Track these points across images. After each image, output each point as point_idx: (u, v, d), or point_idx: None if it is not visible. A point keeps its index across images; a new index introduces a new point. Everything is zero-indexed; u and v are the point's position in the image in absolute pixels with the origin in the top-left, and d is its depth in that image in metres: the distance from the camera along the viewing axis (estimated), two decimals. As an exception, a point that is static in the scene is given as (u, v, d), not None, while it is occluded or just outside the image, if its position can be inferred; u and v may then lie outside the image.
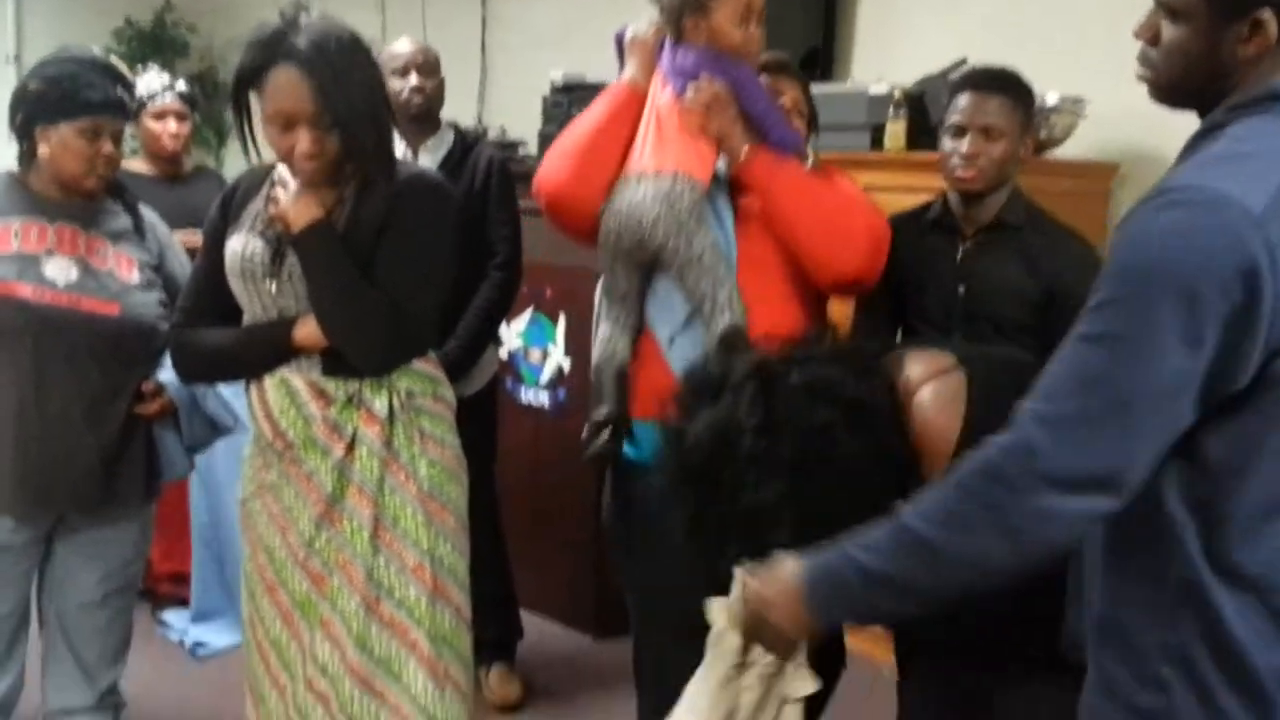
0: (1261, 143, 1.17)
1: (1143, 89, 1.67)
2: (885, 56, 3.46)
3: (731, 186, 2.00)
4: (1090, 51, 3.02)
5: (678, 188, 1.92)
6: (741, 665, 1.77)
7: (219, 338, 2.00)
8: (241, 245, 1.95)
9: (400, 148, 2.96)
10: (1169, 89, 1.30)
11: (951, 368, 1.57)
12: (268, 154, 1.94)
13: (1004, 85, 2.18)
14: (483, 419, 3.07)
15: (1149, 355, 1.12)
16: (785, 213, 1.94)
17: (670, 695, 2.04)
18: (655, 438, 1.77)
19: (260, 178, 2.01)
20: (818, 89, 3.24)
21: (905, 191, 2.99)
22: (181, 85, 3.40)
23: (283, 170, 1.95)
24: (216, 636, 3.38)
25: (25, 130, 2.33)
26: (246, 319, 2.00)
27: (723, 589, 1.56)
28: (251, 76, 1.85)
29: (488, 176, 2.96)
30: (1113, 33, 3.04)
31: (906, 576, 1.27)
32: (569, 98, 3.91)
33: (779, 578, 1.38)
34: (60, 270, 2.32)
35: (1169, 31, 1.26)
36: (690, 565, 1.86)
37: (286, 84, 1.81)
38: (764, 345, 1.63)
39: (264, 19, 1.87)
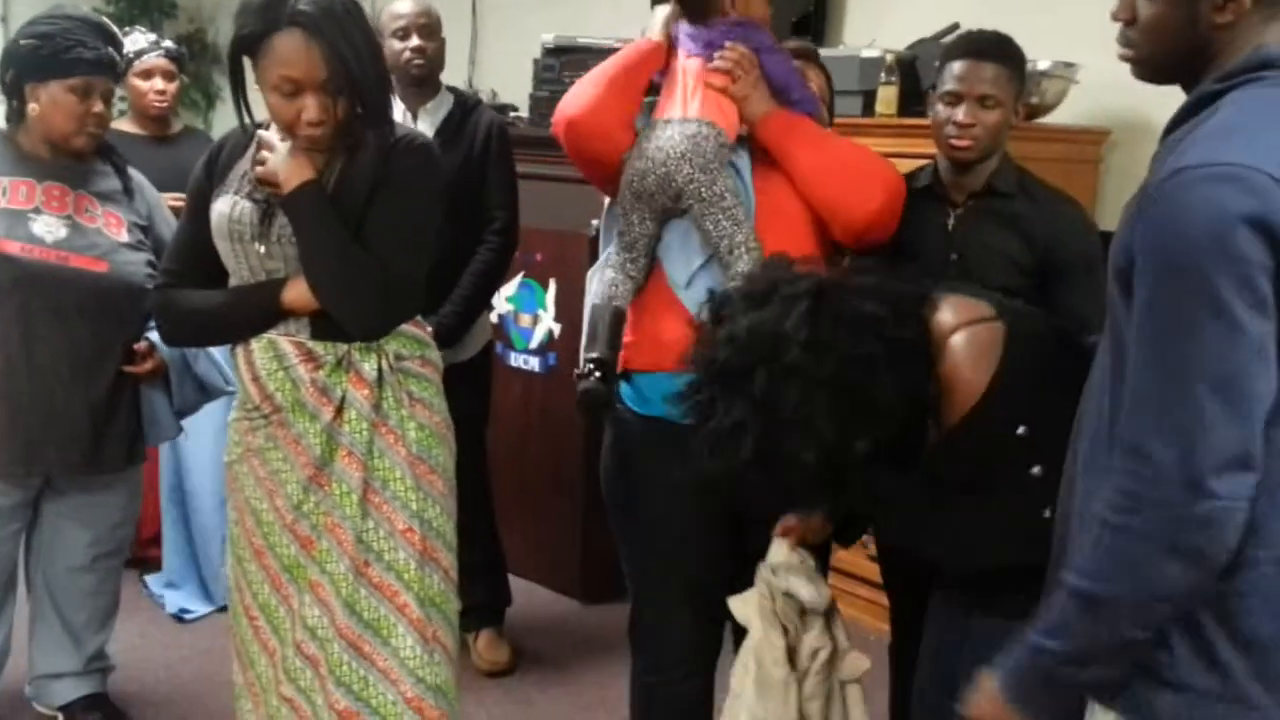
0: (1263, 114, 1.19)
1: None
2: (877, 20, 3.44)
3: (752, 150, 2.05)
4: (1082, 17, 2.99)
5: (703, 130, 1.98)
6: (792, 667, 1.84)
7: (205, 299, 1.99)
8: (229, 206, 1.93)
9: (399, 110, 2.94)
10: (1152, 65, 1.32)
11: (990, 318, 1.59)
12: (260, 118, 1.93)
13: (999, 52, 2.17)
14: (476, 385, 3.07)
15: (1228, 331, 1.13)
16: (801, 161, 1.99)
17: (668, 654, 2.10)
18: (659, 389, 1.89)
19: (245, 138, 1.98)
20: (810, 53, 3.23)
21: (897, 156, 2.97)
22: (168, 44, 3.37)
23: (267, 132, 1.93)
24: (187, 602, 3.37)
25: (15, 88, 2.32)
26: (233, 281, 1.98)
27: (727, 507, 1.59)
28: (252, 43, 1.81)
29: (487, 140, 2.93)
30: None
31: (1100, 641, 1.24)
32: (560, 60, 3.88)
33: (983, 695, 1.37)
34: (48, 228, 2.32)
35: (1146, 9, 1.28)
36: (693, 519, 1.99)
37: (294, 50, 1.78)
38: (813, 269, 1.66)
39: None
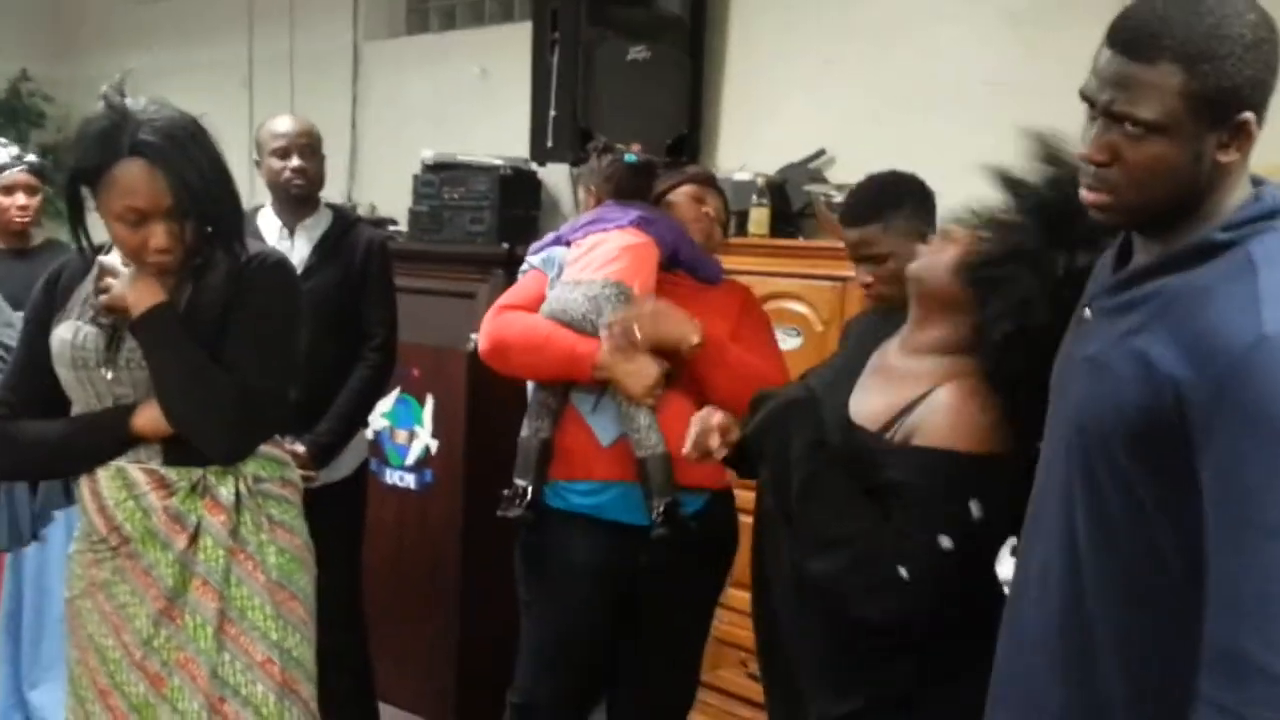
0: None
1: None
2: (747, 145, 3.56)
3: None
4: (944, 144, 3.15)
5: (606, 291, 2.23)
6: None
7: (46, 430, 1.90)
8: (71, 333, 1.87)
9: (275, 227, 2.91)
10: (1138, 210, 1.21)
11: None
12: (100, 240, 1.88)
13: (867, 212, 2.11)
14: (350, 505, 2.99)
15: None
16: (719, 389, 2.20)
17: (541, 697, 2.36)
18: (574, 490, 2.26)
19: (85, 262, 1.93)
20: (683, 176, 3.31)
21: (768, 275, 3.06)
22: (31, 157, 3.29)
23: (108, 256, 1.89)
24: None
25: None
26: (77, 409, 1.90)
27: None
28: (92, 174, 1.77)
29: (367, 257, 2.92)
30: (967, 127, 3.19)
31: None
32: (440, 176, 3.90)
33: None
34: None
35: (1139, 149, 1.17)
36: (589, 596, 2.30)
37: (137, 179, 1.74)
38: None
39: (155, 96, 1.82)
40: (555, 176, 3.89)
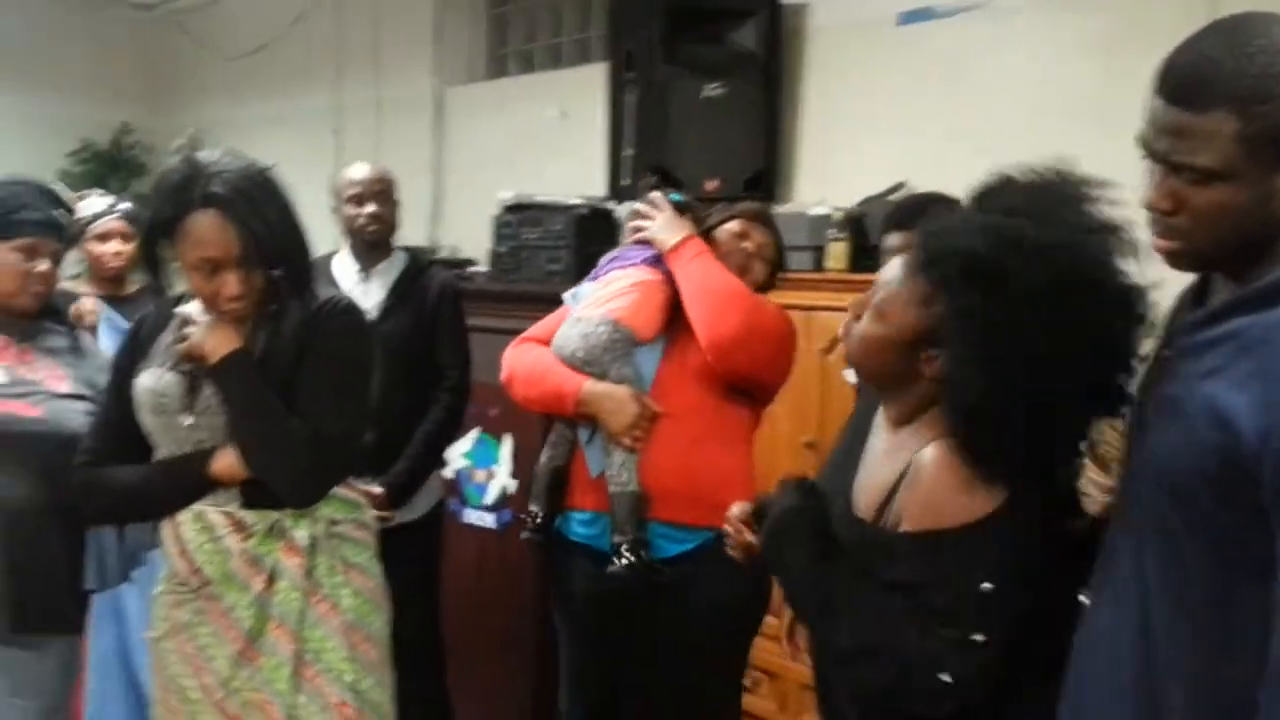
0: None
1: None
2: (827, 179, 3.53)
3: (672, 338, 2.31)
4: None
5: (600, 330, 2.27)
6: None
7: (130, 475, 1.95)
8: (154, 380, 1.91)
9: (353, 269, 2.97)
10: (1209, 255, 1.19)
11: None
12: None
13: (912, 217, 2.17)
14: (426, 544, 3.01)
15: None
16: (683, 285, 2.27)
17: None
18: (576, 519, 2.30)
19: (167, 311, 1.98)
20: (759, 211, 3.30)
21: (847, 311, 3.01)
22: (125, 205, 3.39)
23: (188, 306, 1.93)
24: None
25: (-36, 249, 2.31)
26: (160, 455, 1.95)
27: None
28: (168, 225, 1.83)
29: (440, 300, 2.97)
30: (1046, 154, 3.12)
31: None
32: (518, 217, 3.95)
33: None
34: None
35: (1203, 195, 1.15)
36: (588, 617, 2.34)
37: (209, 230, 1.80)
38: None
39: (228, 148, 1.89)
40: (632, 215, 3.91)
